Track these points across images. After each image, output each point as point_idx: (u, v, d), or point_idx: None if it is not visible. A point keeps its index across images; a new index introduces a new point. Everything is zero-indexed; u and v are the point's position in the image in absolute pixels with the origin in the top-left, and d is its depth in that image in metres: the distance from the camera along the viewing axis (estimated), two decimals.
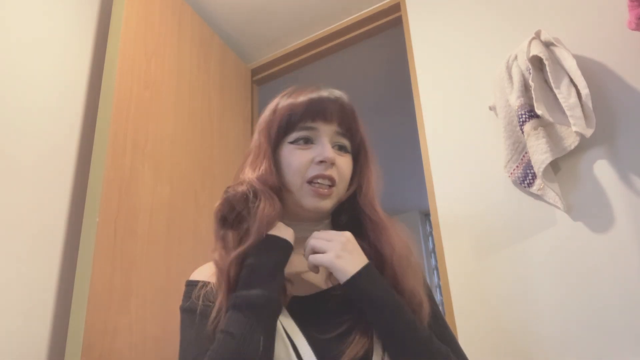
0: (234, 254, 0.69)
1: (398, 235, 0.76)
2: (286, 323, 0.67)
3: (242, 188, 0.73)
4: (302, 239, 0.75)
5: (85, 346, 1.02)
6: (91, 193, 1.17)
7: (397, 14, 1.77)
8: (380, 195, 0.81)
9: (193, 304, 0.70)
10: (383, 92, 2.53)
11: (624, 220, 1.12)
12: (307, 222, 0.78)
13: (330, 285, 0.74)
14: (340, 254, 0.68)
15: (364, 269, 0.68)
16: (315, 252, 0.70)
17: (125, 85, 1.30)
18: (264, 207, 0.71)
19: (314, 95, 0.77)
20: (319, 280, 0.76)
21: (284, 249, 0.70)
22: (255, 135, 0.81)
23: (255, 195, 0.72)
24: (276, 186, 0.74)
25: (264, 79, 2.12)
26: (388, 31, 1.89)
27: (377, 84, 2.47)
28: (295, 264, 0.75)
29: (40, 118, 1.22)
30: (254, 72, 2.10)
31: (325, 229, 0.80)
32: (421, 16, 1.66)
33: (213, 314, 0.66)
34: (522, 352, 1.16)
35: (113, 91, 1.25)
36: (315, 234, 0.72)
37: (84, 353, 1.01)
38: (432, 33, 1.61)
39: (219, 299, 0.67)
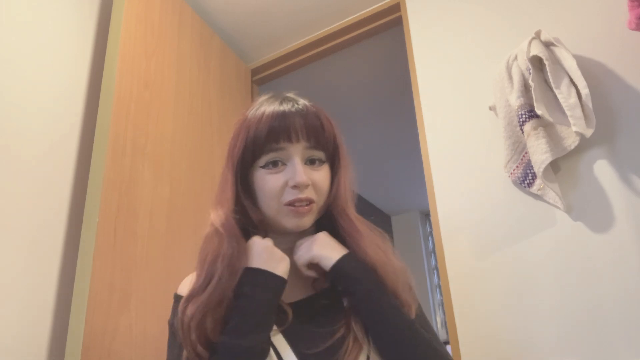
0: (198, 303, 0.65)
1: (374, 242, 0.75)
2: (275, 339, 0.66)
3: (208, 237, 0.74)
4: (290, 250, 0.77)
5: (85, 346, 1.02)
6: (91, 193, 1.17)
7: (397, 14, 1.77)
8: (354, 200, 0.80)
9: (173, 327, 0.70)
10: (383, 92, 2.53)
11: (624, 220, 1.12)
12: (291, 233, 0.77)
13: (314, 290, 0.74)
14: (321, 245, 0.72)
15: (348, 254, 0.71)
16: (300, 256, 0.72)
17: (125, 85, 1.30)
18: (224, 250, 0.69)
19: (276, 111, 0.73)
20: (304, 287, 0.75)
21: (278, 287, 0.68)
22: (224, 163, 0.79)
23: (220, 239, 0.71)
24: (238, 223, 0.73)
25: (264, 79, 2.12)
26: (388, 31, 1.89)
27: (377, 84, 2.47)
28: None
29: (40, 118, 1.22)
30: (254, 72, 2.10)
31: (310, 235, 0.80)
32: (421, 16, 1.66)
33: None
34: (521, 351, 1.16)
35: (113, 91, 1.25)
36: (297, 244, 0.75)
37: (84, 353, 1.01)
38: (432, 33, 1.61)
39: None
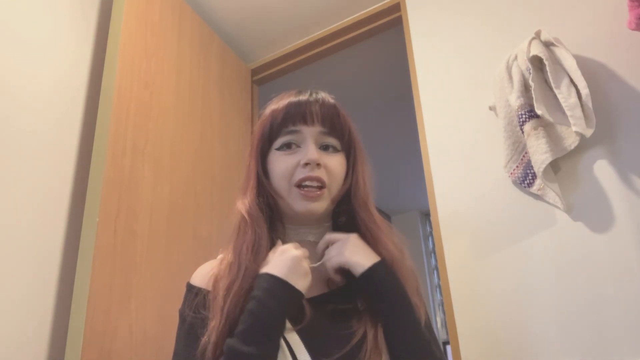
0: (233, 288, 0.66)
1: (392, 240, 0.76)
2: (289, 337, 0.66)
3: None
4: (304, 242, 0.77)
5: (85, 346, 1.02)
6: (91, 193, 1.17)
7: (397, 14, 1.77)
8: (374, 194, 0.80)
9: (185, 313, 0.71)
10: (383, 92, 2.53)
11: (624, 220, 1.12)
12: (306, 225, 0.78)
13: (328, 288, 0.74)
14: (352, 250, 0.70)
15: (380, 262, 0.70)
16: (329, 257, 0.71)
17: (125, 85, 1.30)
18: (246, 237, 0.71)
19: (293, 99, 0.77)
20: (318, 284, 0.75)
21: (293, 300, 0.66)
22: (248, 154, 0.81)
23: (246, 226, 0.73)
24: (264, 210, 0.75)
25: (264, 79, 2.12)
26: (388, 31, 1.89)
27: (377, 84, 2.47)
28: None
29: (39, 118, 1.22)
30: (254, 72, 2.10)
31: (326, 231, 0.79)
32: (421, 16, 1.66)
33: (204, 338, 0.65)
34: (521, 351, 1.16)
35: (113, 91, 1.25)
36: (325, 238, 0.74)
37: (84, 353, 1.01)
38: (431, 33, 1.61)
39: (211, 324, 0.65)
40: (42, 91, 1.25)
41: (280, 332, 0.64)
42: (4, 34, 1.18)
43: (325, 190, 0.73)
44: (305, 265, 0.69)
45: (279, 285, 0.65)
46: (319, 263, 0.73)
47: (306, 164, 0.72)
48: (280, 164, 0.74)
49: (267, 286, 0.65)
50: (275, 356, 0.63)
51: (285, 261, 0.67)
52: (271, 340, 0.62)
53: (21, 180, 1.14)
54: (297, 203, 0.73)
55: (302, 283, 0.66)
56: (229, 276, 0.68)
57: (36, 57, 1.25)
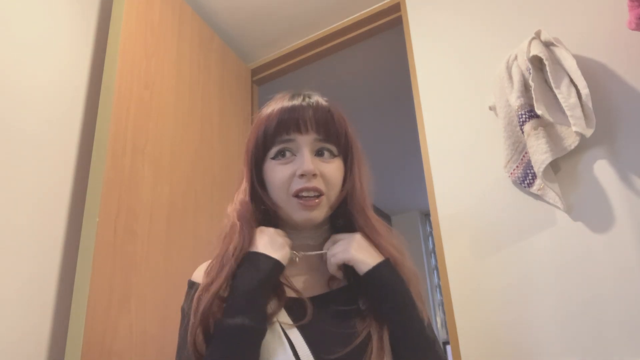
0: (210, 292, 0.67)
1: (391, 243, 0.75)
2: (290, 333, 0.66)
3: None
4: (304, 246, 0.77)
5: (85, 346, 1.02)
6: (91, 193, 1.17)
7: (397, 14, 1.77)
8: (372, 198, 0.80)
9: (186, 310, 0.71)
10: (383, 92, 2.53)
11: (624, 220, 1.12)
12: (306, 230, 0.78)
13: (329, 287, 0.74)
14: (357, 248, 0.71)
15: (385, 261, 0.70)
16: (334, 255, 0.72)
17: (125, 85, 1.30)
18: (236, 240, 0.72)
19: (285, 104, 0.75)
20: (319, 284, 0.75)
21: (270, 268, 0.68)
22: (242, 161, 0.81)
23: (234, 230, 0.73)
24: (254, 213, 0.75)
25: (264, 79, 2.12)
26: (388, 31, 1.89)
27: (377, 84, 2.47)
28: (296, 270, 0.76)
29: (40, 118, 1.22)
30: (254, 72, 2.10)
31: (324, 234, 0.79)
32: (421, 16, 1.66)
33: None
34: (521, 351, 1.16)
35: (113, 91, 1.25)
36: (332, 238, 0.74)
37: (84, 353, 1.01)
38: (431, 33, 1.61)
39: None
40: (42, 91, 1.25)
41: (263, 302, 0.66)
42: (3, 33, 1.18)
43: (323, 198, 0.73)
44: (281, 239, 0.72)
45: (256, 257, 0.69)
46: (320, 252, 0.74)
47: (302, 175, 0.72)
48: (277, 174, 0.74)
49: (246, 262, 0.68)
50: (264, 329, 0.64)
51: (260, 238, 0.72)
52: (256, 310, 0.64)
53: (21, 180, 1.14)
54: (296, 213, 0.73)
55: (278, 253, 0.69)
56: (207, 277, 0.69)
57: (36, 57, 1.25)
